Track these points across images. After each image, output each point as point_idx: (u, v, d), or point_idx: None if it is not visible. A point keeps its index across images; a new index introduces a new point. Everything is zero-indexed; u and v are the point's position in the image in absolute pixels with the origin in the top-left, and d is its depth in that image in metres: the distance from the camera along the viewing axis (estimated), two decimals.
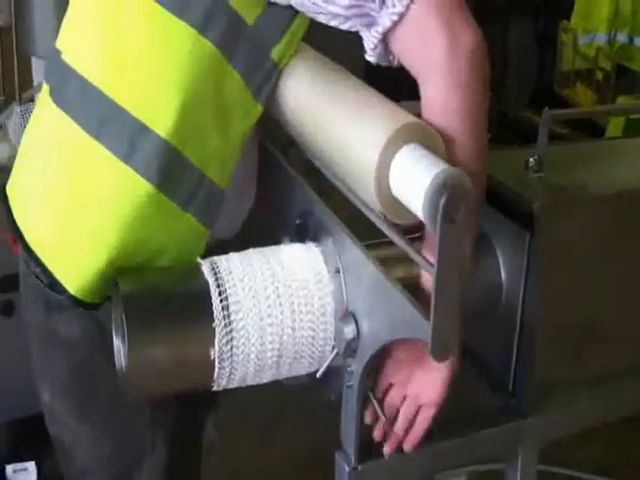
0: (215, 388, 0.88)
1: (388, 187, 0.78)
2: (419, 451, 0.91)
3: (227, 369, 0.86)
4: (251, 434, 2.10)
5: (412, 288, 0.83)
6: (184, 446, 1.08)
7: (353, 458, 0.88)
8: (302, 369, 0.91)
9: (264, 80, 0.93)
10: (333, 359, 0.89)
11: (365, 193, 0.82)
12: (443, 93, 0.80)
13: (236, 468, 1.98)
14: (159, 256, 0.94)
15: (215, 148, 0.92)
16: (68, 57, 0.96)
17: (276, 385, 0.94)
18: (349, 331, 0.86)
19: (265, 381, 0.91)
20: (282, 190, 1.04)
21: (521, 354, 0.94)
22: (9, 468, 1.85)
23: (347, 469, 0.88)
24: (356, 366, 0.86)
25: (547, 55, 3.48)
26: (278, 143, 1.06)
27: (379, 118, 0.81)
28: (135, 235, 0.91)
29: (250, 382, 0.89)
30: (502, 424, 0.96)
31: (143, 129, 0.88)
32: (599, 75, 3.22)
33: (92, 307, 0.96)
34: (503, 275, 0.95)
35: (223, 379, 0.87)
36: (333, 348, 0.89)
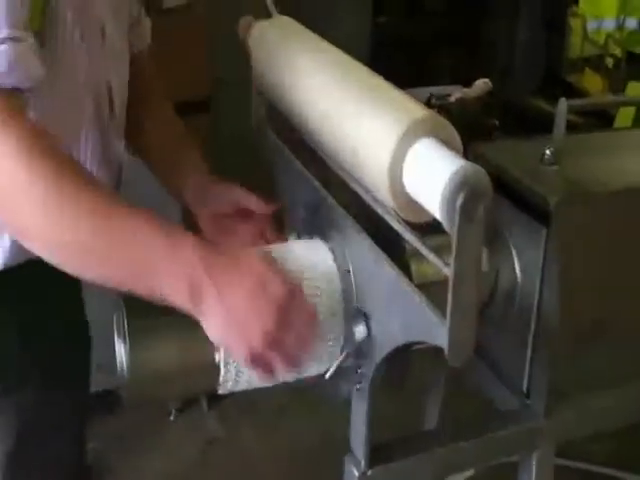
0: (221, 392, 0.86)
1: (402, 184, 0.74)
2: (430, 453, 0.89)
3: (233, 372, 0.83)
4: (255, 427, 2.08)
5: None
6: None
7: (363, 462, 0.85)
8: (311, 370, 0.88)
9: None
10: (343, 360, 0.86)
11: (377, 189, 0.78)
12: None
13: (239, 461, 1.97)
14: None
15: None
16: None
17: None
18: (359, 332, 0.83)
19: (273, 383, 0.88)
20: (289, 184, 1.00)
21: (536, 354, 0.92)
22: None
23: (357, 474, 0.85)
24: (367, 368, 0.84)
25: (555, 41, 3.43)
26: (284, 136, 1.03)
27: (392, 110, 0.77)
28: None
29: (257, 385, 0.86)
30: (517, 425, 0.93)
31: None
32: (609, 62, 3.18)
33: None
34: (518, 272, 0.92)
35: (229, 382, 0.84)
36: (343, 349, 0.86)
